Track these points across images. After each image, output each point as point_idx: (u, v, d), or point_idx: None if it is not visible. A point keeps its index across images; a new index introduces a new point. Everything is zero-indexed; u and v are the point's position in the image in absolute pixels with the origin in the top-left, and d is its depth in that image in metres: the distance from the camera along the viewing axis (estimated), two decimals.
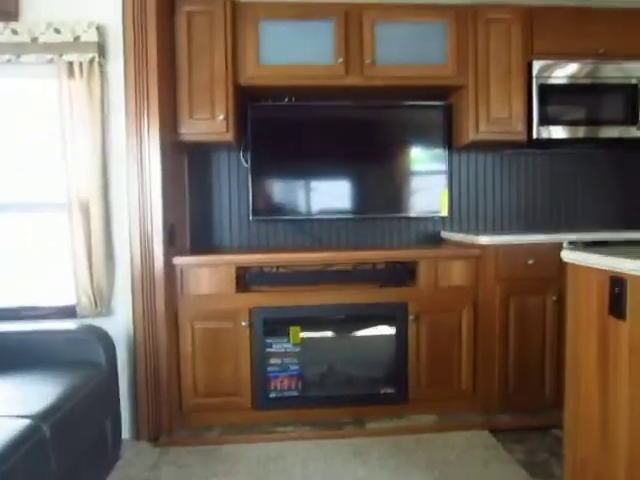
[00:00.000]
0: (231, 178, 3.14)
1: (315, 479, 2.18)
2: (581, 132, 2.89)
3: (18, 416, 1.62)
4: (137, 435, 2.54)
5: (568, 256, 1.81)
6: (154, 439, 2.52)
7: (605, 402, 1.64)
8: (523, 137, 2.88)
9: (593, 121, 2.89)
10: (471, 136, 2.87)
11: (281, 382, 2.68)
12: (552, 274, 2.61)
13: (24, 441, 1.51)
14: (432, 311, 2.70)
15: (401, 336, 2.70)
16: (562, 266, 1.91)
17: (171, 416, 2.56)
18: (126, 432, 2.52)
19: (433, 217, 3.21)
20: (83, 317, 2.49)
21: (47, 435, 1.61)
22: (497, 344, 2.65)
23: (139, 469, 2.27)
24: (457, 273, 2.71)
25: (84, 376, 2.01)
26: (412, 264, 2.73)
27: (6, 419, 1.59)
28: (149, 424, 2.52)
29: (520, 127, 2.86)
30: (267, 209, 3.06)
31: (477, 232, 2.64)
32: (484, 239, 2.64)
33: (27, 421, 1.58)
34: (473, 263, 2.70)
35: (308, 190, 3.08)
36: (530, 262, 2.62)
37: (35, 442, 1.56)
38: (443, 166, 3.11)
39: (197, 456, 2.38)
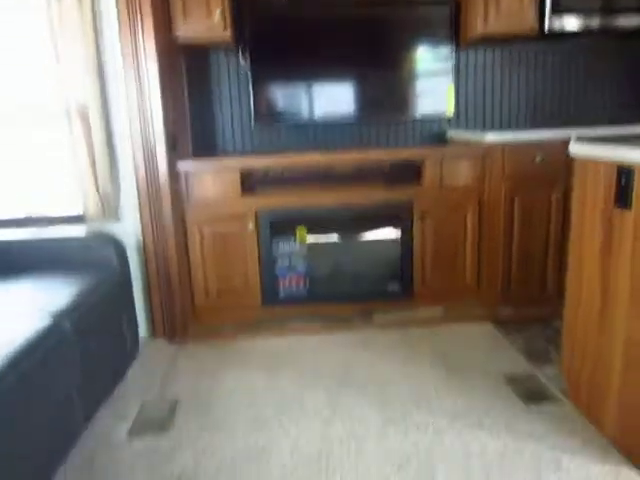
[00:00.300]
0: (231, 83, 3.04)
1: (326, 366, 2.31)
2: (595, 22, 2.73)
3: (40, 314, 1.68)
4: (153, 334, 2.66)
5: (576, 148, 1.79)
6: (169, 337, 2.63)
7: (606, 287, 1.69)
8: (535, 29, 2.74)
9: (608, 10, 2.72)
10: (480, 29, 2.74)
11: (289, 280, 2.76)
12: (559, 171, 2.58)
13: (47, 337, 1.58)
14: (438, 210, 2.71)
15: (406, 234, 2.74)
16: (569, 163, 1.89)
17: (184, 317, 2.66)
18: (143, 332, 2.64)
19: (439, 117, 3.13)
20: (91, 224, 2.53)
21: (69, 331, 1.69)
22: (501, 240, 2.67)
23: (157, 363, 2.40)
24: (463, 172, 2.69)
25: (99, 277, 2.08)
26: (418, 163, 2.70)
27: (28, 317, 1.65)
28: (164, 324, 2.63)
29: (531, 18, 2.72)
30: (269, 114, 2.98)
31: (484, 131, 2.59)
32: (491, 137, 2.58)
33: (49, 318, 1.65)
34: (479, 162, 2.67)
35: (310, 94, 2.97)
36: (537, 160, 2.59)
37: (57, 338, 1.63)
38: (449, 64, 2.98)
39: (211, 350, 2.51)
